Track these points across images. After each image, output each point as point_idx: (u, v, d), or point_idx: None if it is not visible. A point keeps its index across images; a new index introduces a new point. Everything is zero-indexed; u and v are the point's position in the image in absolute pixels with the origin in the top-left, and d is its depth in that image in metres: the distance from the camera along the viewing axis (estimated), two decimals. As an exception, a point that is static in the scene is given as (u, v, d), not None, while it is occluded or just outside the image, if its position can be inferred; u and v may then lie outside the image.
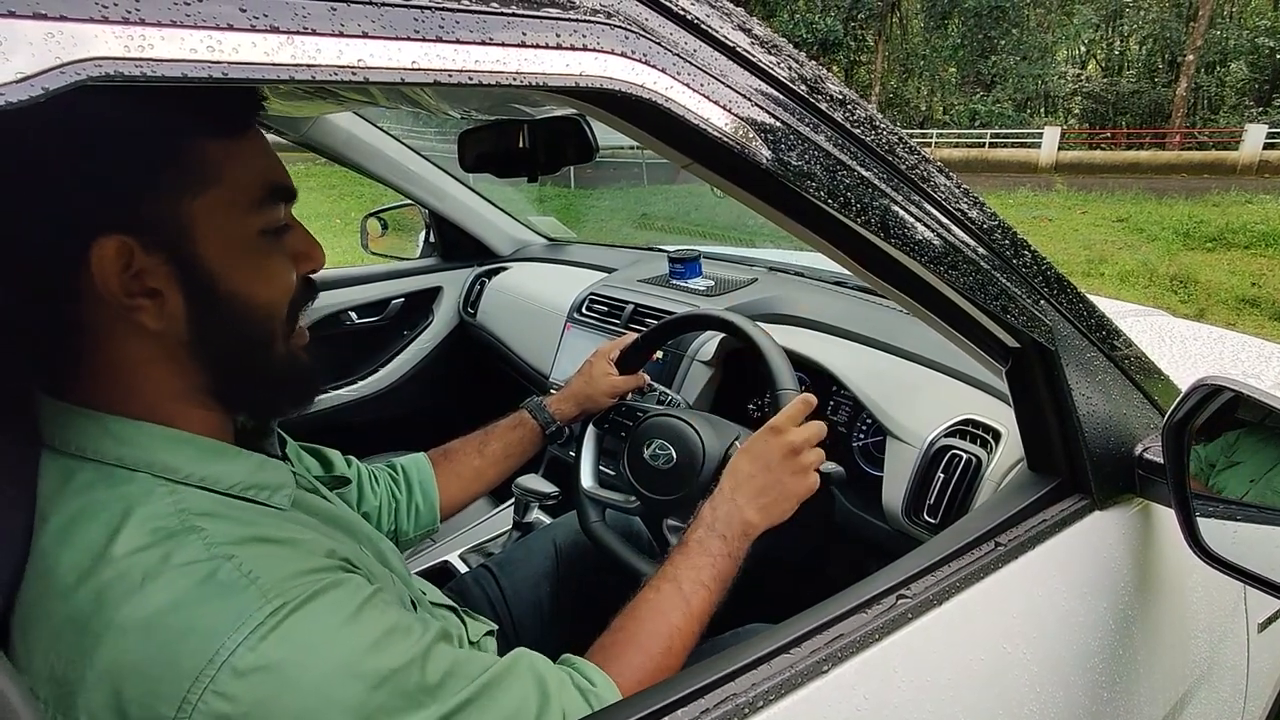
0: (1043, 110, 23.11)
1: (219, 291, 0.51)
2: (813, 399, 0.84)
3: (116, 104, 0.44)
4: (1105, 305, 1.28)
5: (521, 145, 0.93)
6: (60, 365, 0.51)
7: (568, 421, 1.09)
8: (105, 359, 0.50)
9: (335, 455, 0.86)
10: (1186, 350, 1.22)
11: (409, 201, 1.99)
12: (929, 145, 18.30)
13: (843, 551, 1.22)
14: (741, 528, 0.75)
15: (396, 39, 0.32)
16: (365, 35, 0.31)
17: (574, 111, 0.82)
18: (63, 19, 0.25)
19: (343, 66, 0.30)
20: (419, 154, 1.87)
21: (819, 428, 0.83)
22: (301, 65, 0.29)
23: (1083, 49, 24.85)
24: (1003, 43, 22.01)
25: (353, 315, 1.94)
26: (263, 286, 0.53)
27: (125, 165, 0.47)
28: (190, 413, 0.53)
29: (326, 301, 1.87)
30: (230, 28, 0.28)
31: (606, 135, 0.69)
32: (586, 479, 1.09)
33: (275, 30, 0.29)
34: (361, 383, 1.97)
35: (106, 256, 0.46)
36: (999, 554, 0.66)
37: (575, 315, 1.73)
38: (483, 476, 1.02)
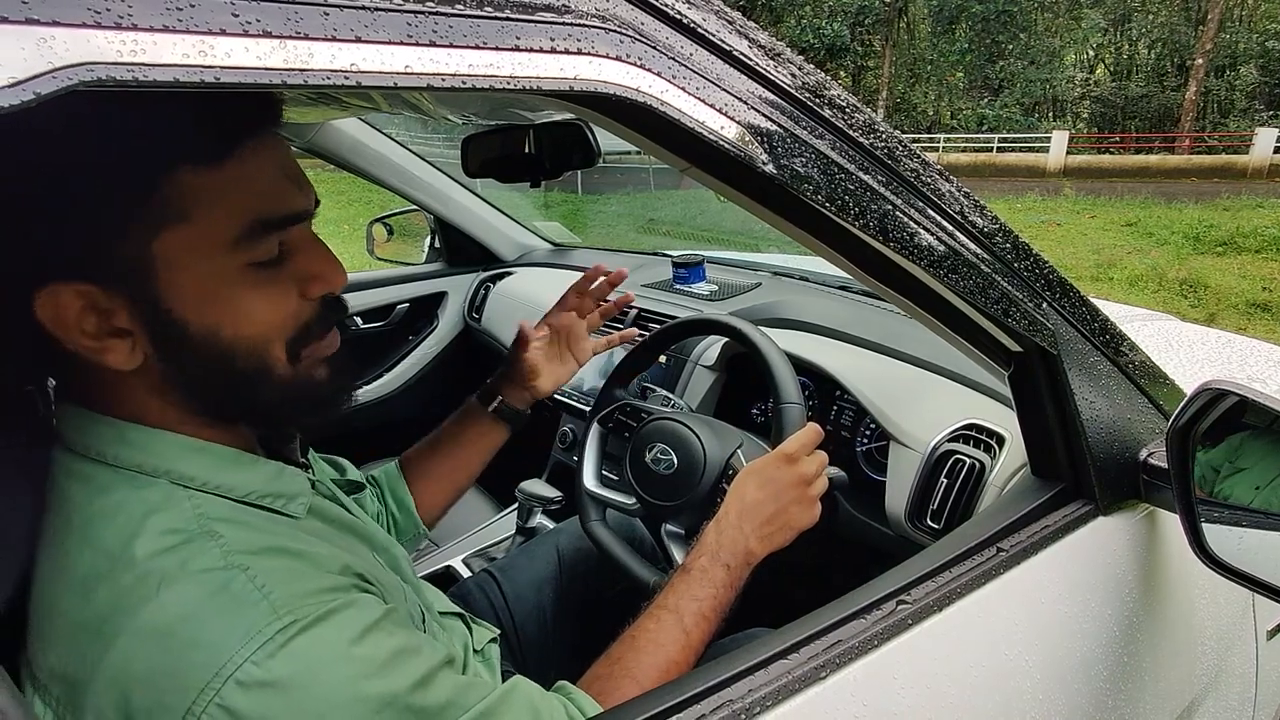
0: (1051, 115, 23.02)
1: (192, 332, 0.48)
2: (820, 431, 0.83)
3: (71, 139, 0.40)
4: (1112, 310, 1.28)
5: (526, 150, 0.94)
6: (68, 379, 0.51)
7: (510, 394, 0.99)
8: (102, 380, 0.49)
9: (347, 464, 0.86)
10: (1193, 355, 1.21)
11: (414, 207, 2.00)
12: (936, 150, 18.23)
13: (845, 556, 1.21)
14: (745, 557, 0.75)
15: (389, 43, 0.32)
16: (358, 40, 0.31)
17: (574, 117, 0.83)
18: (55, 24, 0.25)
19: (335, 71, 0.30)
20: (424, 160, 1.88)
21: (824, 457, 0.82)
22: (294, 70, 0.29)
23: (1091, 53, 24.74)
24: (1010, 47, 21.96)
25: (358, 320, 1.94)
26: (246, 323, 0.49)
27: (78, 205, 0.43)
28: (200, 428, 0.52)
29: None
30: (223, 32, 0.28)
31: (614, 141, 0.69)
32: (589, 479, 1.09)
33: (268, 35, 0.29)
34: (366, 388, 1.98)
35: (55, 304, 0.44)
36: (1001, 559, 0.66)
37: (579, 320, 1.73)
38: (450, 476, 0.97)
